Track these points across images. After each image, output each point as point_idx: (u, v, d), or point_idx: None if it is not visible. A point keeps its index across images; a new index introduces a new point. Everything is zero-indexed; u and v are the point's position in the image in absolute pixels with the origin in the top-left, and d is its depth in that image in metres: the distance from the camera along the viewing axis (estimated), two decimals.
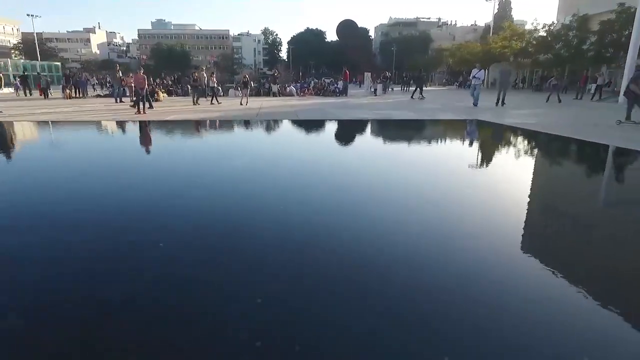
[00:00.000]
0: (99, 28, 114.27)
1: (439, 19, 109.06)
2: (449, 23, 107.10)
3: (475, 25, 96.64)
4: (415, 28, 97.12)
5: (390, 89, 26.19)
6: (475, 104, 14.70)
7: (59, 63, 66.71)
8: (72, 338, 0.47)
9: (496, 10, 48.38)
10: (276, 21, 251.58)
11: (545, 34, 32.06)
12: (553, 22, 32.43)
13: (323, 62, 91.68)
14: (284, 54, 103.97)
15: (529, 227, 1.15)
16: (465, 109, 14.19)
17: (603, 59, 27.33)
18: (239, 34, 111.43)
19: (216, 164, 2.13)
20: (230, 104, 16.53)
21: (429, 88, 44.19)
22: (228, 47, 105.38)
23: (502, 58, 39.14)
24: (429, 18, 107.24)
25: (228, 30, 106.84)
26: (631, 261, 0.91)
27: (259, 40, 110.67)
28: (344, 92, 23.81)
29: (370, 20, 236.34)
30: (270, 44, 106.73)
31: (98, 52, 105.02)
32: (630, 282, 0.78)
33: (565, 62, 30.64)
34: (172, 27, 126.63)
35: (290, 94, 22.19)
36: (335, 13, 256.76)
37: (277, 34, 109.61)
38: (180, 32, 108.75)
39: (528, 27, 42.64)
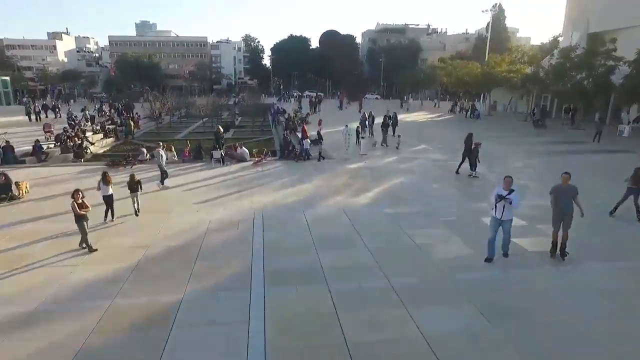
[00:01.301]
0: (68, 34, 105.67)
1: (429, 25, 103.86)
2: (439, 30, 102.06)
3: (467, 33, 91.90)
4: (404, 35, 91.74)
5: (371, 141, 19.72)
6: (505, 253, 7.20)
7: (7, 78, 57.42)
8: None
9: (489, 19, 43.13)
10: (259, 28, 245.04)
11: (562, 60, 26.16)
12: (578, 45, 26.57)
13: (308, 70, 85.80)
14: (266, 61, 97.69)
15: None
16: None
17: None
18: (217, 41, 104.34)
19: None
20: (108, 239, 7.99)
21: (413, 114, 36.84)
22: (206, 55, 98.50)
23: (506, 83, 33.65)
24: (418, 25, 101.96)
25: (206, 37, 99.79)
26: None
27: (239, 48, 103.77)
28: (319, 142, 17.63)
29: (357, 27, 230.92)
30: (252, 51, 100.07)
31: (66, 60, 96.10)
32: None
33: (587, 95, 24.90)
34: (155, 31, 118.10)
35: (242, 158, 16.08)
36: (321, 18, 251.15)
37: (259, 41, 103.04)
38: (155, 40, 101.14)
39: (520, 35, 37.31)
